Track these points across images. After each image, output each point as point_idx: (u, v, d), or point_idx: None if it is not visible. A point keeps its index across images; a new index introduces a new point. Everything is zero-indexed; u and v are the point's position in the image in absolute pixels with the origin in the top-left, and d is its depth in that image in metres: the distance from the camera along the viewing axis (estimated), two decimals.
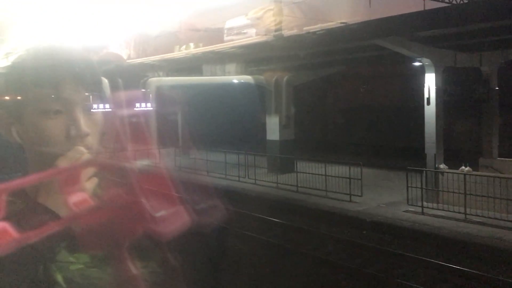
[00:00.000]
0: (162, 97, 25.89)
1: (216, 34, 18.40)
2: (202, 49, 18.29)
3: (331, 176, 13.69)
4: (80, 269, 1.04)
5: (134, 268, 0.91)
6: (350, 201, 12.77)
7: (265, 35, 17.55)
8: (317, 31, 14.80)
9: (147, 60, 20.31)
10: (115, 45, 22.62)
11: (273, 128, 17.53)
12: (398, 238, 10.19)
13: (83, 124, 1.08)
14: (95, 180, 1.02)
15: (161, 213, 0.83)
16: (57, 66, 1.08)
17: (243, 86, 20.03)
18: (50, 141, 1.07)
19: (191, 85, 21.24)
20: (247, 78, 18.27)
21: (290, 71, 17.51)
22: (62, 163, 0.99)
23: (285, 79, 17.39)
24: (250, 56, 17.02)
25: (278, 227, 11.62)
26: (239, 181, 16.32)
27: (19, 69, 1.12)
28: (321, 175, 14.10)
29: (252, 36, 16.95)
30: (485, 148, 13.22)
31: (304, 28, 15.35)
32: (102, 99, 1.15)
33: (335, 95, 20.91)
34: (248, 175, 16.34)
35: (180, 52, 19.41)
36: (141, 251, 1.06)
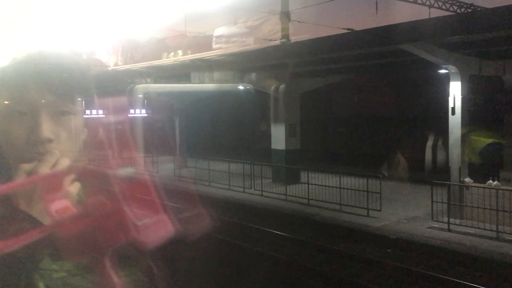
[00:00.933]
0: (153, 104, 24.93)
1: (205, 41, 18.24)
2: (200, 55, 17.42)
3: (345, 188, 12.87)
4: (63, 277, 1.00)
5: (118, 277, 0.85)
6: (368, 215, 11.93)
7: (271, 40, 16.87)
8: (331, 35, 14.12)
9: (135, 67, 19.67)
10: (102, 51, 22.17)
11: (278, 137, 16.67)
12: (428, 258, 9.34)
13: (46, 129, 1.03)
14: (77, 187, 1.01)
15: (143, 222, 0.78)
16: (21, 70, 1.07)
17: (243, 93, 19.22)
18: (13, 144, 1.04)
19: (188, 92, 20.37)
20: (248, 85, 17.56)
21: (296, 78, 16.72)
22: (36, 168, 0.97)
23: (290, 86, 16.58)
24: (253, 63, 16.18)
25: (293, 243, 10.72)
26: (244, 192, 15.39)
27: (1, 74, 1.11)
28: (334, 187, 13.27)
29: (250, 44, 16.54)
30: (507, 161, 12.54)
31: (293, 38, 15.09)
32: (87, 104, 1.13)
33: (342, 103, 20.12)
34: (253, 186, 15.41)
35: (168, 59, 18.85)
36: (126, 259, 1.02)
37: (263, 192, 14.90)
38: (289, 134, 16.48)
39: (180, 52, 18.77)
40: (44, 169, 0.96)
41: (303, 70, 16.32)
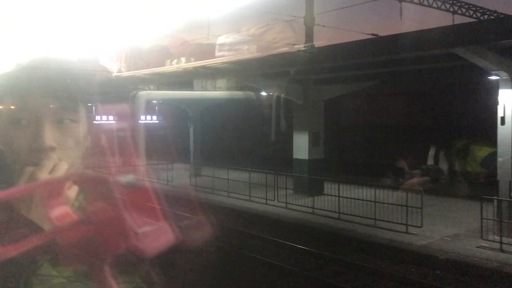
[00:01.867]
0: (166, 110, 24.04)
1: (207, 49, 17.83)
2: (211, 61, 16.54)
3: (379, 202, 11.93)
4: (62, 283, 0.99)
5: (117, 284, 0.84)
6: (407, 232, 10.98)
7: (289, 46, 16.04)
8: (364, 39, 13.30)
9: (138, 73, 19.21)
10: (106, 58, 21.91)
11: (301, 146, 15.74)
12: (488, 284, 8.40)
13: (49, 137, 1.03)
14: (78, 194, 1.01)
15: (143, 229, 0.76)
16: (24, 78, 1.06)
17: (259, 100, 18.33)
18: (16, 151, 1.04)
19: (203, 98, 19.51)
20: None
21: (320, 84, 15.85)
22: (38, 174, 0.97)
23: (314, 92, 15.70)
24: (273, 69, 15.25)
25: (330, 262, 9.76)
26: (266, 203, 14.42)
27: (4, 81, 1.10)
28: (366, 200, 12.35)
29: (253, 52, 15.75)
30: None
31: (295, 46, 14.65)
32: (90, 111, 1.13)
33: (368, 111, 19.19)
34: (276, 197, 14.45)
35: (176, 66, 18.18)
36: (126, 266, 1.02)
37: (288, 204, 13.93)
38: (313, 143, 15.56)
39: (183, 59, 18.51)
40: (43, 174, 0.96)
41: (328, 76, 15.43)
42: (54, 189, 0.87)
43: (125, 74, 20.41)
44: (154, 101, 22.35)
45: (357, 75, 15.55)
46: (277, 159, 17.09)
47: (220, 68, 15.57)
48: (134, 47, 21.38)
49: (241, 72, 14.99)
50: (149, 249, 0.77)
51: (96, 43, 19.06)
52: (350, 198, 12.77)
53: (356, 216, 12.19)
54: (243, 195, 15.39)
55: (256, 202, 14.73)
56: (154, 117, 25.43)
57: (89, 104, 1.12)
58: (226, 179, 16.71)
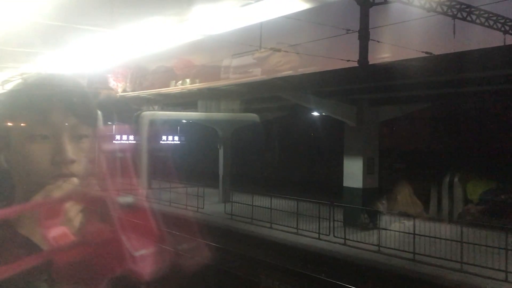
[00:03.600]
0: (192, 131, 22.26)
1: (213, 71, 17.73)
2: (251, 79, 14.97)
3: (467, 243, 10.04)
4: None
5: None
6: (507, 280, 9.06)
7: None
8: (425, 56, 11.78)
9: (143, 94, 18.76)
10: (112, 78, 21.62)
11: (353, 172, 13.88)
12: None
13: (69, 150, 1.04)
14: (77, 215, 0.97)
15: (140, 253, 0.79)
16: (45, 94, 1.06)
17: (297, 121, 16.57)
18: (35, 166, 1.02)
19: (234, 119, 17.80)
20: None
21: (376, 105, 14.13)
22: (48, 192, 0.96)
23: (370, 113, 13.96)
24: (326, 87, 13.53)
25: None
26: (319, 238, 12.48)
27: (13, 96, 1.09)
28: (445, 239, 10.48)
29: (257, 75, 15.77)
30: None
31: (299, 70, 14.34)
32: (95, 130, 1.11)
33: (422, 136, 17.35)
34: (332, 231, 12.51)
35: (191, 86, 17.70)
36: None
37: (346, 240, 12.00)
38: (367, 170, 13.72)
39: (188, 80, 18.38)
40: (57, 194, 0.95)
41: (384, 96, 13.73)
42: (54, 209, 0.86)
43: (144, 92, 19.45)
44: (182, 121, 20.79)
45: (412, 96, 13.91)
46: (320, 186, 15.22)
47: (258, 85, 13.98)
48: (139, 67, 21.21)
49: (287, 89, 13.26)
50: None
51: (102, 63, 17.93)
52: (418, 234, 10.87)
53: (434, 257, 10.27)
54: (289, 227, 13.46)
55: (306, 236, 12.79)
56: (177, 138, 23.74)
57: (104, 122, 1.11)
58: (263, 207, 14.81)
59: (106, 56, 15.87)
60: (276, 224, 13.83)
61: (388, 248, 11.19)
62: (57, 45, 14.48)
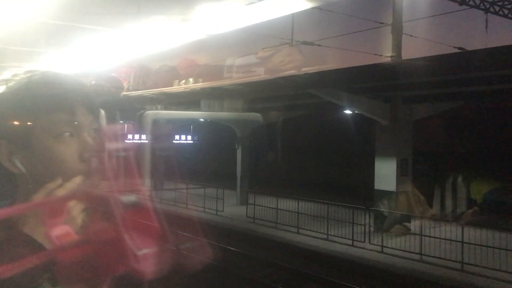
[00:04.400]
0: (208, 130, 21.39)
1: (216, 70, 17.63)
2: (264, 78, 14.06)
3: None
4: None
5: None
6: None
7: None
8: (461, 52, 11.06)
9: (147, 93, 18.42)
10: (115, 77, 21.61)
11: (386, 174, 12.97)
12: None
13: (93, 146, 1.03)
14: (80, 214, 0.97)
15: (143, 252, 0.75)
16: (68, 91, 1.07)
17: (322, 120, 15.65)
18: (64, 165, 1.01)
19: (253, 118, 16.96)
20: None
21: (411, 103, 13.25)
22: (56, 192, 0.94)
23: (404, 112, 13.07)
24: (357, 83, 12.67)
25: None
26: (352, 245, 11.58)
27: (26, 95, 1.05)
28: (493, 247, 9.59)
29: (261, 74, 15.59)
30: None
31: (303, 69, 13.94)
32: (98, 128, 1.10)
33: (454, 136, 16.38)
34: (368, 238, 11.61)
35: (203, 84, 17.07)
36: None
37: (384, 248, 11.10)
38: (401, 172, 12.83)
39: (191, 80, 18.23)
40: (62, 192, 0.95)
41: (421, 93, 12.86)
42: (57, 207, 0.85)
43: (134, 93, 19.45)
44: (195, 120, 20.08)
45: (446, 94, 13.06)
46: (347, 188, 14.30)
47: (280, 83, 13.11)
48: (143, 66, 21.09)
49: (317, 85, 12.37)
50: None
51: (107, 62, 17.66)
52: (466, 242, 9.97)
53: (484, 267, 9.38)
54: (317, 232, 12.57)
55: (338, 242, 11.88)
56: (190, 137, 22.86)
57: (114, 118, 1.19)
58: (287, 210, 13.92)
59: (109, 55, 15.67)
60: (303, 229, 12.94)
61: (431, 256, 10.29)
62: (61, 44, 14.33)
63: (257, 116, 17.35)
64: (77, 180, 0.97)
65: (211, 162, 23.62)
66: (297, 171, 19.00)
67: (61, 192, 0.93)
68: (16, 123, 1.02)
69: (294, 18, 11.89)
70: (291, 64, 15.78)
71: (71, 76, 1.13)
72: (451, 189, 15.26)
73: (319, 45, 11.83)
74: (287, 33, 11.39)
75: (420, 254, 10.43)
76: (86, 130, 1.05)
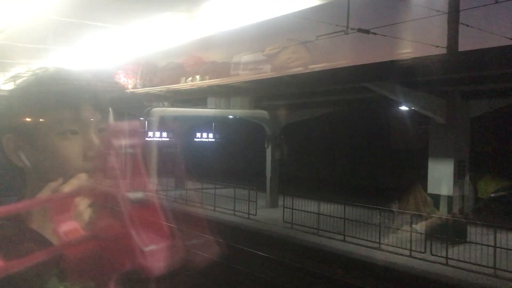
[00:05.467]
0: (239, 128, 20.23)
1: (222, 68, 17.53)
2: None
3: None
4: None
5: None
6: None
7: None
8: None
9: (153, 90, 18.57)
10: (122, 74, 21.57)
11: (441, 177, 11.73)
12: None
13: (98, 145, 1.02)
14: (88, 210, 0.96)
15: (150, 248, 0.74)
16: (75, 89, 1.05)
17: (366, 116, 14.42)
18: (67, 162, 1.00)
19: (287, 114, 15.79)
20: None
21: (469, 99, 11.99)
22: (64, 188, 0.93)
23: (461, 108, 11.83)
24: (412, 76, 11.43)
25: None
26: (410, 256, 10.31)
27: (34, 91, 1.05)
28: None
29: (267, 72, 15.54)
30: None
31: (309, 67, 14.01)
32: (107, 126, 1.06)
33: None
34: (429, 249, 10.34)
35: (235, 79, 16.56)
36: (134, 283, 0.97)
37: (448, 260, 9.84)
38: (458, 175, 11.59)
39: (198, 77, 18.01)
40: (67, 189, 0.93)
41: (484, 88, 11.61)
42: (65, 203, 0.85)
43: (141, 90, 19.49)
44: (217, 118, 19.16)
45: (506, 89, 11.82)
46: (392, 191, 13.04)
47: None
48: (149, 64, 20.97)
49: (375, 79, 11.12)
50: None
51: (114, 60, 18.11)
52: None
53: None
54: (366, 240, 11.33)
55: (392, 252, 10.64)
56: (212, 135, 21.71)
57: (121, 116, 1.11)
58: (329, 215, 12.69)
59: (116, 53, 15.97)
60: (350, 236, 11.70)
61: (506, 271, 9.03)
62: (69, 41, 14.21)
63: (287, 113, 16.18)
64: (84, 177, 0.93)
65: (234, 161, 22.43)
66: (334, 172, 17.75)
67: (67, 189, 0.91)
68: (23, 118, 1.02)
69: (347, 6, 10.75)
70: (298, 61, 15.30)
71: (78, 73, 1.08)
72: None
73: (375, 34, 10.61)
74: (340, 19, 10.22)
75: (494, 268, 9.17)
76: (93, 128, 1.02)
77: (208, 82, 16.60)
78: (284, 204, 13.73)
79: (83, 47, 14.97)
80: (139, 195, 0.78)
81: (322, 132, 17.52)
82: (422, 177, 12.19)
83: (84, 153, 1.00)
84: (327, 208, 12.84)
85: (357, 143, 16.77)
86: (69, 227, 0.82)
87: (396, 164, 14.18)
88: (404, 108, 12.90)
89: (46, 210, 0.90)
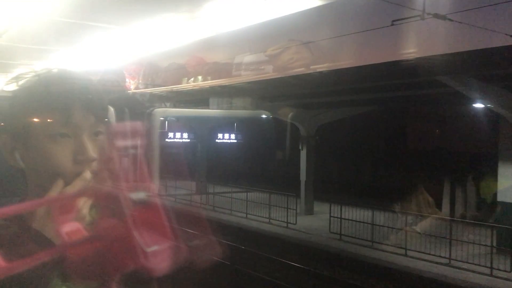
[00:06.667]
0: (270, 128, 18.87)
1: (224, 68, 17.08)
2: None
3: None
4: None
5: None
6: None
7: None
8: None
9: (156, 91, 18.56)
10: (124, 74, 21.18)
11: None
12: None
13: (90, 149, 0.99)
14: (90, 210, 0.94)
15: (152, 248, 0.73)
16: (66, 91, 1.01)
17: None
18: (56, 165, 0.98)
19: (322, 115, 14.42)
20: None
21: None
22: (66, 189, 0.93)
23: None
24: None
25: None
26: (492, 275, 8.89)
27: (27, 93, 1.03)
28: None
29: (269, 72, 15.23)
30: None
31: (311, 67, 13.58)
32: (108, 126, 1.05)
33: None
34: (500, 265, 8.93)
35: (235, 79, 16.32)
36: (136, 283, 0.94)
37: None
38: None
39: (200, 77, 17.83)
40: (71, 191, 0.93)
41: None
42: (67, 204, 0.84)
43: (143, 91, 19.18)
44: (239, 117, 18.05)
45: None
46: (453, 199, 11.61)
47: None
48: (152, 64, 20.38)
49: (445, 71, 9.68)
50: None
51: (116, 60, 18.05)
52: None
53: None
54: (431, 254, 9.90)
55: (467, 269, 9.20)
56: (233, 136, 20.31)
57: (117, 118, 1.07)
58: (383, 226, 11.27)
59: (118, 53, 15.95)
60: (411, 250, 10.26)
61: None
62: (71, 42, 14.13)
63: (323, 112, 14.80)
64: (88, 178, 0.93)
65: (260, 164, 20.98)
66: (377, 177, 16.30)
67: (70, 190, 0.91)
68: (16, 120, 1.01)
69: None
70: (300, 62, 14.49)
71: (74, 75, 1.06)
72: None
73: (451, 20, 9.24)
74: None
75: None
76: (86, 132, 1.00)
77: (210, 82, 16.37)
78: (340, 214, 12.03)
79: (85, 48, 15.11)
80: (143, 196, 0.73)
81: (362, 132, 16.11)
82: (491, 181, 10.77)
83: (74, 157, 0.98)
84: (378, 216, 11.42)
85: (407, 145, 15.32)
86: (72, 228, 0.80)
87: (455, 169, 12.73)
88: (467, 105, 11.49)
89: (48, 211, 0.89)
